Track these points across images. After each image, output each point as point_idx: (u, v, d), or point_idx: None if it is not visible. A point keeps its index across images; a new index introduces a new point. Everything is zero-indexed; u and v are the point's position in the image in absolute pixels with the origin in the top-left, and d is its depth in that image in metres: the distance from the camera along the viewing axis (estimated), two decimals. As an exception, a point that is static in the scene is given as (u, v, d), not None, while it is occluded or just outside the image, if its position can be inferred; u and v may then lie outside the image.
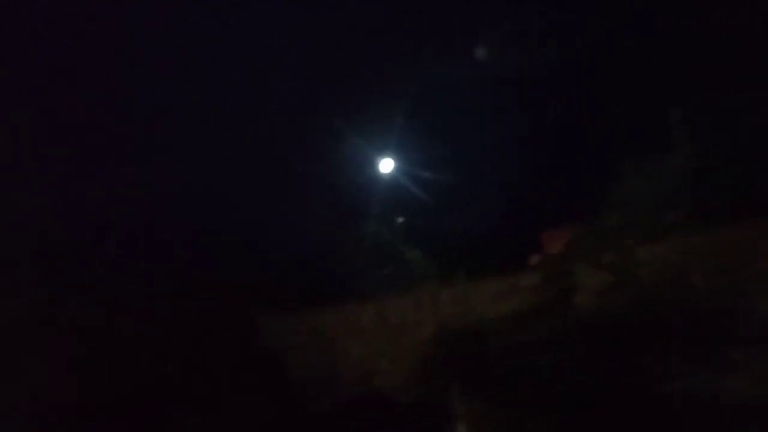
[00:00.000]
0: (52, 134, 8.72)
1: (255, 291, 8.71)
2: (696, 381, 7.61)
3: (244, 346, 8.13)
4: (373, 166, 11.66)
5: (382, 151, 11.48)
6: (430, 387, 8.57)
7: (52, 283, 7.26)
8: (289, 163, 10.26)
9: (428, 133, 11.44)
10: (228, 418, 7.49)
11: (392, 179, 11.70)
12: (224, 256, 9.02)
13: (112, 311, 7.57)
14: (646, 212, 8.97)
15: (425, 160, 11.50)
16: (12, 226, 7.38)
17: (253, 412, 7.61)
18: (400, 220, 11.17)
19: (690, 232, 8.52)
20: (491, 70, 10.31)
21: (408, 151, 11.62)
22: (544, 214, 10.51)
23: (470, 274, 10.31)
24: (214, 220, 9.21)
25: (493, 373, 8.37)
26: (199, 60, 9.68)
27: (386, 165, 11.77)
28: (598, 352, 8.09)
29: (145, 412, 7.15)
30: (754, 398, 7.34)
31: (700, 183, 8.70)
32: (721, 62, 9.29)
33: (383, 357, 9.12)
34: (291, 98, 10.27)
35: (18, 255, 7.31)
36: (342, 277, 9.92)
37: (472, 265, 10.36)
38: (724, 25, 9.00)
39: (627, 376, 7.85)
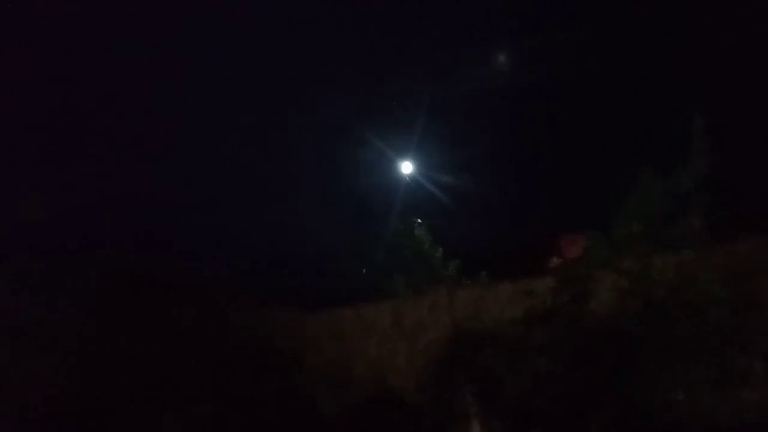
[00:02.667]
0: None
1: (272, 289, 8.99)
2: (705, 391, 7.69)
3: (259, 343, 8.37)
4: (393, 168, 11.87)
5: (402, 153, 11.67)
6: (443, 388, 8.80)
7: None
8: (311, 165, 10.47)
9: (448, 136, 11.56)
10: (242, 416, 7.80)
11: (412, 181, 11.89)
12: (242, 255, 9.28)
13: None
14: (663, 221, 8.96)
15: (445, 162, 11.65)
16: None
17: (267, 410, 7.93)
18: (419, 221, 11.32)
19: (705, 242, 8.49)
20: (511, 75, 10.34)
21: (428, 154, 11.78)
22: (563, 219, 10.56)
23: (487, 276, 10.47)
24: (235, 219, 9.44)
25: (502, 375, 8.54)
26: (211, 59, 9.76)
27: (406, 167, 11.97)
28: (610, 357, 8.19)
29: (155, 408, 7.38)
30: (762, 411, 7.41)
31: (716, 194, 8.64)
32: (743, 73, 9.13)
33: (398, 357, 9.37)
34: (309, 100, 10.42)
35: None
36: (360, 276, 10.17)
37: (488, 268, 10.52)
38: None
39: (636, 383, 7.95)
